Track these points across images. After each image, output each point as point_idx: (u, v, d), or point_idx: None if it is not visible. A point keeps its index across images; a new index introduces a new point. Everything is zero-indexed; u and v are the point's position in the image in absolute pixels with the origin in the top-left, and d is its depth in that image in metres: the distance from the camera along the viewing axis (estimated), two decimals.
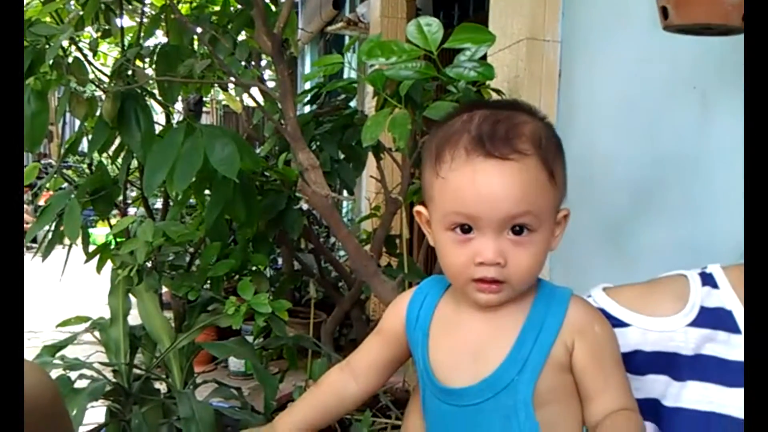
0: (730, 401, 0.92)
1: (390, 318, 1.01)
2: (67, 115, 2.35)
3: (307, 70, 8.63)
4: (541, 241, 0.88)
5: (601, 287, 1.05)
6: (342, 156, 2.26)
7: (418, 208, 0.96)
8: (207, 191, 2.09)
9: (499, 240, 0.85)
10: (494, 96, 1.95)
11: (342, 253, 4.62)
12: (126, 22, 2.42)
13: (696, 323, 0.96)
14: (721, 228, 1.54)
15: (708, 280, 1.00)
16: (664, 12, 1.15)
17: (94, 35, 2.24)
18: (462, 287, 0.90)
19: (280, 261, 4.19)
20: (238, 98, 2.71)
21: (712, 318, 0.97)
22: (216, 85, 2.66)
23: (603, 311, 0.98)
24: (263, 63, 2.63)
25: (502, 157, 0.84)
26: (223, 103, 9.51)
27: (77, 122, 2.22)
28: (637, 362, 0.97)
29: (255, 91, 2.07)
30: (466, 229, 0.86)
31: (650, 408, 0.97)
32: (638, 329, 0.98)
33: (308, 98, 2.45)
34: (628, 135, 1.90)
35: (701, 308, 0.97)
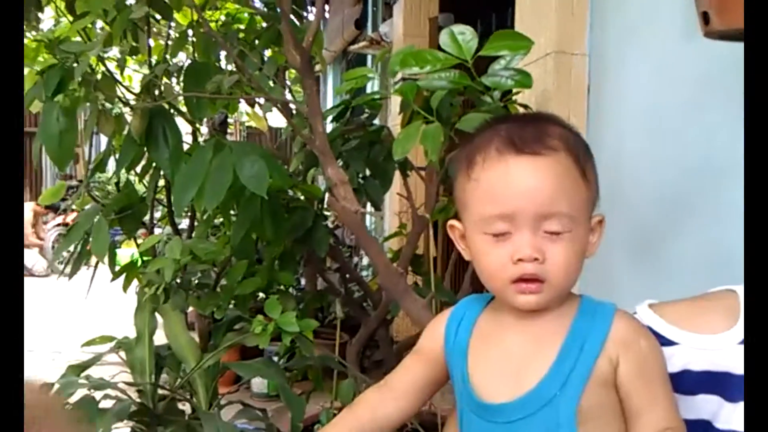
0: None
1: (428, 338, 0.99)
2: (94, 136, 2.36)
3: (330, 89, 8.68)
4: (577, 241, 0.86)
5: (647, 303, 1.01)
6: (369, 173, 2.24)
7: (452, 222, 0.95)
8: (233, 209, 2.08)
9: (536, 237, 0.84)
10: (521, 110, 1.92)
11: (365, 273, 4.59)
12: (152, 40, 2.43)
13: None
14: None
15: None
16: (705, 17, 1.13)
17: (120, 54, 2.25)
18: (501, 291, 0.88)
19: (302, 281, 4.17)
20: (263, 116, 2.71)
21: None
22: (242, 103, 2.66)
23: (649, 329, 0.94)
24: (287, 81, 2.63)
25: (533, 152, 0.84)
26: (247, 124, 9.58)
27: (103, 144, 2.23)
28: (686, 382, 0.93)
29: (280, 106, 2.06)
30: (501, 229, 0.85)
31: (701, 430, 0.92)
32: (687, 347, 0.94)
33: (333, 115, 2.44)
34: (659, 147, 1.87)
35: None
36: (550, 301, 0.87)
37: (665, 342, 0.94)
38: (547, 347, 0.86)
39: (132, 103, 2.01)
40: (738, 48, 1.32)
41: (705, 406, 0.93)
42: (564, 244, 0.85)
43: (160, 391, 2.11)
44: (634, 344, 0.86)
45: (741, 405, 0.90)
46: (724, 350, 0.92)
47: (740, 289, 0.97)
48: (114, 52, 2.38)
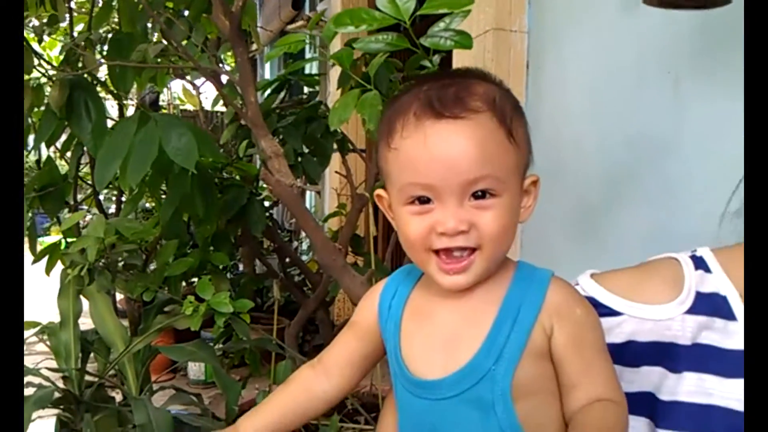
0: (729, 393, 0.86)
1: (362, 311, 0.94)
2: None
3: (267, 71, 8.52)
4: (507, 206, 0.80)
5: (589, 273, 0.98)
6: (306, 149, 2.17)
7: (379, 191, 0.89)
8: (163, 187, 1.99)
9: (461, 208, 0.78)
10: None
11: (305, 257, 4.52)
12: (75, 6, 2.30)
13: (693, 310, 0.90)
14: (695, 210, 1.52)
15: (700, 263, 0.94)
16: None
17: (38, 23, 2.11)
18: (422, 262, 0.83)
19: (241, 266, 4.08)
20: (195, 93, 2.61)
21: (708, 304, 0.90)
22: (172, 80, 2.56)
23: (592, 299, 0.91)
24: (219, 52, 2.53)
25: (453, 116, 0.78)
26: (181, 107, 9.33)
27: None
28: (631, 353, 0.90)
29: (211, 77, 1.97)
30: (424, 200, 0.80)
31: (645, 402, 0.90)
32: (632, 318, 0.91)
33: (269, 91, 2.36)
34: (599, 121, 1.88)
35: (697, 294, 0.91)
36: (480, 274, 0.82)
37: (609, 312, 0.92)
38: (480, 320, 0.82)
39: (52, 73, 1.88)
40: (676, 23, 1.32)
41: (648, 377, 0.91)
42: (494, 211, 0.79)
43: (87, 378, 2.01)
44: (568, 313, 0.81)
45: (684, 375, 0.88)
46: (670, 320, 0.90)
47: (682, 258, 0.95)
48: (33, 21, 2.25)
